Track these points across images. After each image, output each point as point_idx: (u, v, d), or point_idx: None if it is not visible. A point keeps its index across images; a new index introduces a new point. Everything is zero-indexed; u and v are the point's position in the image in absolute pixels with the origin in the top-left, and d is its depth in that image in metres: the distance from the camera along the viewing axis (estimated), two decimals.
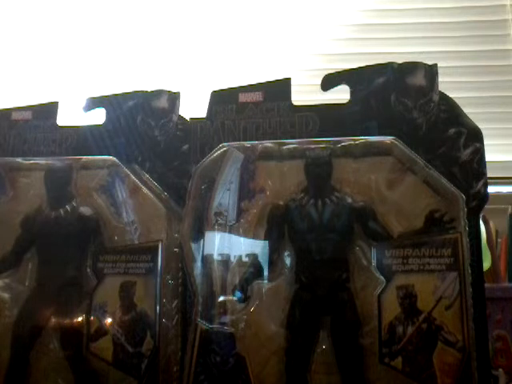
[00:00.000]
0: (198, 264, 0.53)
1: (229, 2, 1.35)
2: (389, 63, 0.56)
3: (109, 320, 0.55)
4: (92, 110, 0.63)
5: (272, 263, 0.53)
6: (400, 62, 0.56)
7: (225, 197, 0.54)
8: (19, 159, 0.62)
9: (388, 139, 0.53)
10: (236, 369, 0.50)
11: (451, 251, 0.50)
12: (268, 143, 0.55)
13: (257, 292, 0.52)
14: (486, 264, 0.85)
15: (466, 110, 0.55)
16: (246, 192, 0.54)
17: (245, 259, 0.53)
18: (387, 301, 0.50)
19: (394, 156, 0.53)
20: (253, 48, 1.33)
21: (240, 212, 0.54)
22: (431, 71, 0.55)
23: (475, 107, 1.05)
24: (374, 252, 0.51)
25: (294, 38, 1.33)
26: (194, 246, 0.53)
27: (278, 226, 0.53)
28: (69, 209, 0.58)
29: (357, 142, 0.53)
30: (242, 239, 0.53)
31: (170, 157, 0.60)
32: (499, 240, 0.99)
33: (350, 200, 0.52)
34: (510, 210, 0.98)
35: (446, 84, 0.57)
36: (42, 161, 0.61)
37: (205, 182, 0.55)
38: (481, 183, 0.53)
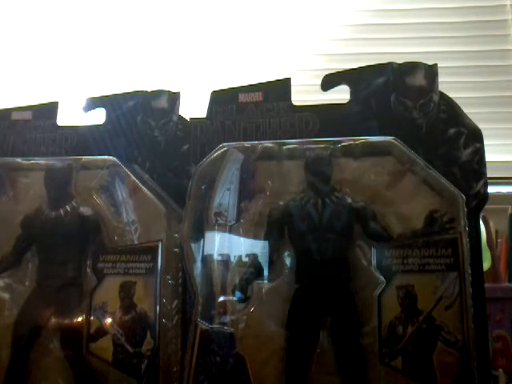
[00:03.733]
0: (198, 264, 0.53)
1: (229, 2, 1.35)
2: (389, 63, 0.56)
3: (109, 320, 0.55)
4: (92, 110, 0.63)
5: (272, 263, 0.53)
6: (400, 62, 0.56)
7: (225, 197, 0.54)
8: (19, 159, 0.62)
9: (388, 139, 0.53)
10: (236, 369, 0.50)
11: (451, 251, 0.50)
12: (268, 143, 0.55)
13: (257, 292, 0.52)
14: (486, 264, 0.85)
15: (466, 110, 0.55)
16: (246, 192, 0.54)
17: (245, 259, 0.53)
18: (387, 301, 0.50)
19: (393, 156, 0.53)
20: (253, 48, 1.34)
21: (240, 212, 0.54)
22: (431, 71, 0.55)
23: (475, 107, 1.05)
24: (374, 252, 0.51)
25: (293, 38, 1.33)
26: (194, 246, 0.53)
27: (278, 226, 0.53)
28: (69, 209, 0.58)
29: (357, 142, 0.53)
30: (242, 239, 0.53)
31: (169, 157, 0.60)
32: (499, 240, 0.99)
33: (349, 200, 0.52)
34: (510, 209, 0.98)
35: (445, 84, 0.56)
36: (41, 161, 0.61)
37: (205, 182, 0.55)
38: (481, 183, 0.53)
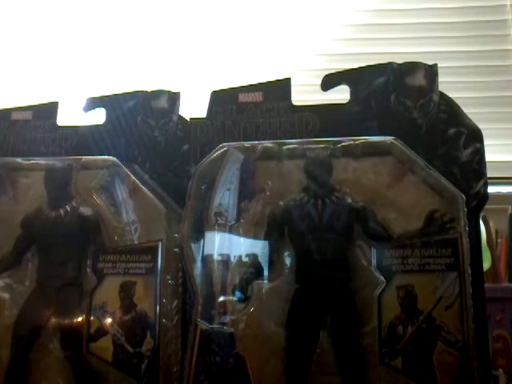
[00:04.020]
0: (198, 264, 0.53)
1: (229, 2, 1.35)
2: (389, 63, 0.56)
3: (109, 320, 0.55)
4: (92, 110, 0.63)
5: (272, 263, 0.53)
6: (400, 62, 0.56)
7: (225, 197, 0.54)
8: (19, 159, 0.62)
9: (388, 139, 0.53)
10: (236, 369, 0.50)
11: (451, 251, 0.50)
12: (268, 143, 0.55)
13: (257, 292, 0.52)
14: (486, 264, 0.85)
15: (466, 110, 0.55)
16: (246, 192, 0.54)
17: (245, 259, 0.53)
18: (387, 301, 0.50)
19: (394, 156, 0.53)
20: (253, 48, 1.33)
21: (240, 212, 0.54)
22: (431, 71, 0.55)
23: (475, 107, 1.05)
24: (374, 252, 0.51)
25: (294, 38, 1.33)
26: (194, 246, 0.53)
27: (278, 226, 0.53)
28: (69, 209, 0.58)
29: (357, 142, 0.53)
30: (242, 239, 0.53)
31: (169, 157, 0.60)
32: (499, 240, 0.99)
33: (349, 200, 0.52)
34: (510, 209, 0.98)
35: (446, 84, 0.57)
36: (41, 161, 0.61)
37: (205, 182, 0.55)
38: (481, 183, 0.53)
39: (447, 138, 0.54)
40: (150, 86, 0.62)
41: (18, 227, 0.59)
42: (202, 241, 0.54)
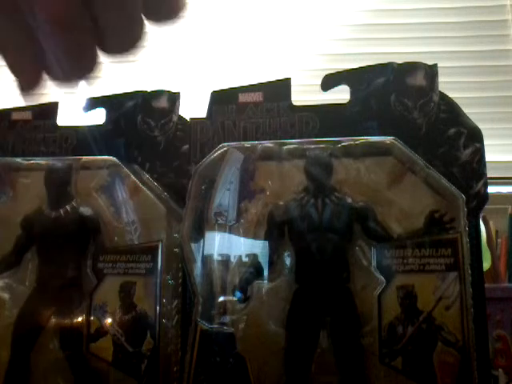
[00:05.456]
0: (198, 264, 0.53)
1: (229, 2, 1.35)
2: (389, 63, 0.56)
3: (109, 320, 0.55)
4: (92, 110, 0.63)
5: (272, 263, 0.53)
6: (400, 62, 0.56)
7: (225, 197, 0.54)
8: (19, 159, 0.62)
9: (388, 139, 0.53)
10: (236, 369, 0.50)
11: (451, 251, 0.50)
12: (268, 143, 0.55)
13: (257, 292, 0.52)
14: (486, 264, 0.85)
15: (466, 110, 0.55)
16: (246, 192, 0.54)
17: (245, 259, 0.53)
18: (387, 301, 0.50)
19: (394, 156, 0.53)
20: (253, 48, 1.34)
21: (240, 212, 0.54)
22: (431, 71, 0.55)
23: (475, 107, 1.05)
24: (373, 252, 0.51)
25: (294, 38, 1.33)
26: (193, 246, 0.53)
27: (278, 227, 0.53)
28: (69, 209, 0.58)
29: (357, 142, 0.53)
30: (242, 239, 0.53)
31: (169, 157, 0.60)
32: (499, 240, 0.99)
33: (349, 200, 0.52)
34: (510, 209, 0.98)
35: (446, 84, 0.56)
36: (42, 161, 0.61)
37: (205, 182, 0.55)
38: (481, 183, 0.53)
39: (447, 138, 0.54)
40: (150, 86, 0.62)
41: (18, 227, 0.59)
42: (202, 241, 0.54)
